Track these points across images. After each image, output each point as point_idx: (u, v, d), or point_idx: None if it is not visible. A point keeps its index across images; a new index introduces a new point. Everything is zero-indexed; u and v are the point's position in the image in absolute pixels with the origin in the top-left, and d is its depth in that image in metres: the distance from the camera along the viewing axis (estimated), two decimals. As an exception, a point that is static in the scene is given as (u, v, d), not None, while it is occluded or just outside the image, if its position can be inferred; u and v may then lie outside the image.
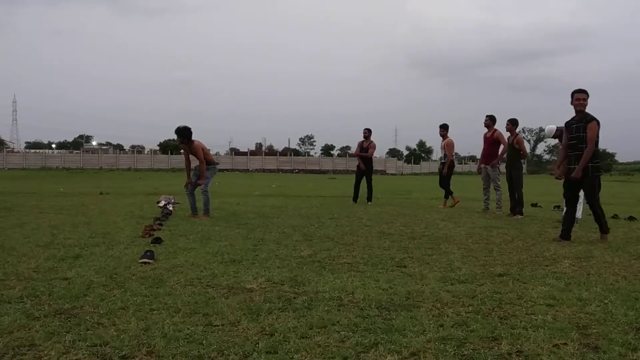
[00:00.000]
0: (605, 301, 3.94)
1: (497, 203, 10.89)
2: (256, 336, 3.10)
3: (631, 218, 10.02)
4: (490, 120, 11.14)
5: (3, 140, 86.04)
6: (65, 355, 2.77)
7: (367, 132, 13.22)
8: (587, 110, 7.06)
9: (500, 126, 10.96)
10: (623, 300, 3.99)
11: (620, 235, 7.67)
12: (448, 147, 12.36)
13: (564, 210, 7.52)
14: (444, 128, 12.48)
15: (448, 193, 12.41)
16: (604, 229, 7.14)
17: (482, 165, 11.27)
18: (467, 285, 4.39)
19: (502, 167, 10.97)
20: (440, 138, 12.62)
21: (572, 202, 7.30)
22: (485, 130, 11.22)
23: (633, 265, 5.44)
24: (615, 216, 9.98)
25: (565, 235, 7.12)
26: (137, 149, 64.69)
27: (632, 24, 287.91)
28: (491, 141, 11.05)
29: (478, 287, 4.33)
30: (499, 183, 10.92)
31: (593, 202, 7.11)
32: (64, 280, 4.33)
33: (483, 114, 11.28)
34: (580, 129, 6.98)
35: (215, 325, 3.28)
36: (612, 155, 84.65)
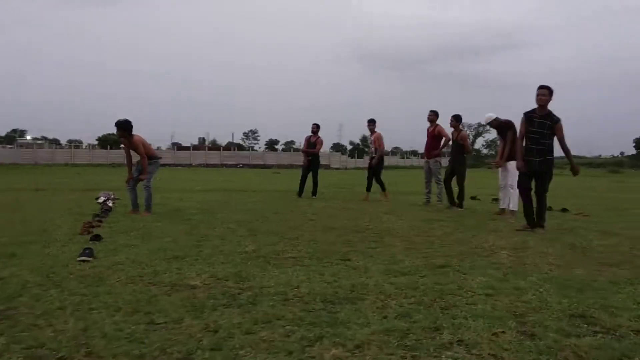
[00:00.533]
0: (541, 290, 4.10)
1: (437, 196, 11.15)
2: (200, 333, 3.06)
3: (564, 210, 10.46)
4: (435, 115, 11.37)
5: None
6: (-2, 359, 2.66)
7: (315, 128, 13.25)
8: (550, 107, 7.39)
9: (445, 121, 11.22)
10: (557, 288, 4.16)
11: (554, 226, 7.99)
12: (377, 140, 12.49)
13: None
14: (371, 122, 12.56)
15: (382, 186, 12.57)
16: (543, 221, 7.44)
17: (425, 159, 11.51)
18: (410, 277, 4.48)
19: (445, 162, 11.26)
20: (369, 132, 12.73)
21: (528, 192, 7.59)
22: (429, 125, 11.45)
23: (566, 255, 5.67)
24: (549, 208, 10.37)
25: (531, 222, 7.53)
26: (75, 144, 62.50)
27: (574, 24, 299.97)
28: (433, 135, 11.29)
29: (420, 279, 4.42)
30: (440, 177, 11.17)
31: (543, 194, 7.49)
32: (-4, 281, 4.15)
33: (428, 108, 11.47)
34: (544, 125, 7.33)
35: (157, 324, 3.22)
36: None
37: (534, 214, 7.56)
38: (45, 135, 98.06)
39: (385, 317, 3.38)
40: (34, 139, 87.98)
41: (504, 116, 9.61)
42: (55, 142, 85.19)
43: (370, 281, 4.31)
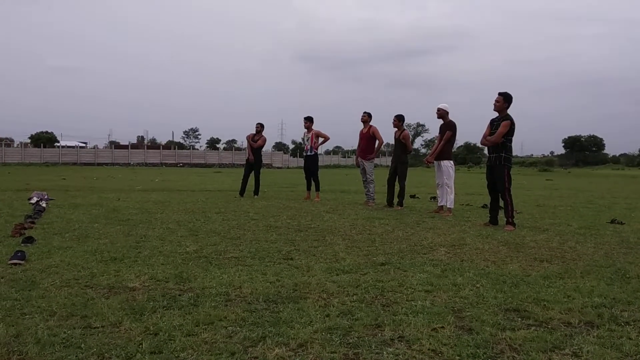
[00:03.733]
0: (477, 285, 4.24)
1: (368, 195, 11.32)
2: (140, 336, 2.99)
3: (485, 206, 10.81)
4: (368, 116, 11.51)
5: None
6: None
7: (260, 127, 13.20)
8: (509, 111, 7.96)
9: (385, 122, 11.38)
10: (492, 284, 4.30)
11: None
12: (317, 137, 12.52)
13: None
14: (308, 120, 12.61)
15: (317, 185, 12.58)
16: (510, 219, 7.72)
17: (359, 159, 11.63)
18: (352, 275, 4.53)
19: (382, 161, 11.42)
20: (306, 130, 12.72)
21: (493, 191, 8.17)
22: (363, 126, 11.56)
23: (501, 251, 5.88)
24: (485, 206, 10.70)
25: (493, 220, 8.10)
26: (6, 142, 59.74)
27: (502, 27, 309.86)
28: (368, 137, 11.44)
29: (362, 277, 4.48)
30: (372, 177, 11.34)
31: (503, 191, 7.91)
32: None
33: (365, 108, 11.62)
34: (498, 126, 7.88)
35: (94, 327, 3.13)
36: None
37: (498, 212, 8.15)
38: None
39: (327, 316, 3.41)
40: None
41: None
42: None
43: (313, 280, 4.33)
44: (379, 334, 3.10)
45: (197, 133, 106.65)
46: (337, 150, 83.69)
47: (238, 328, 3.16)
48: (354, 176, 26.48)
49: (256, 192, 13.03)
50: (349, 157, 79.69)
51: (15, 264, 4.69)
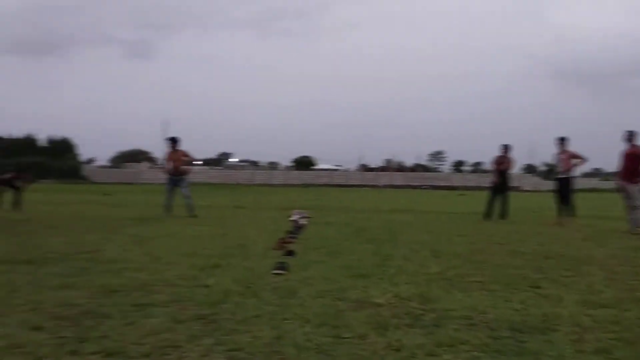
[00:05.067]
0: None
1: (633, 222, 10.00)
2: (383, 351, 3.12)
3: None
4: (632, 136, 10.28)
5: (155, 157, 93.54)
6: (205, 357, 2.98)
7: (505, 149, 12.84)
8: None
9: None
10: None
11: None
12: (571, 158, 11.54)
13: None
14: (561, 140, 11.69)
15: (571, 210, 11.56)
16: None
17: (622, 182, 10.40)
18: (610, 310, 4.09)
19: None
20: (558, 151, 11.81)
21: None
22: (627, 146, 10.35)
23: None
24: None
25: None
26: (272, 166, 67.24)
27: None
28: (634, 157, 10.18)
29: (623, 313, 4.01)
30: (638, 203, 10.03)
31: None
32: (204, 288, 4.63)
33: (629, 126, 10.42)
34: None
35: (344, 338, 3.34)
36: None
37: None
38: (247, 157, 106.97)
39: (580, 351, 3.14)
40: (238, 161, 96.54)
41: None
42: (255, 164, 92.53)
43: (564, 311, 4.02)
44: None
45: (442, 155, 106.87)
46: (594, 173, 76.29)
47: (481, 353, 3.09)
48: (617, 200, 23.84)
49: (503, 215, 12.57)
50: (608, 180, 72.03)
51: (278, 274, 5.25)
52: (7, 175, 14.22)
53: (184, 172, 12.80)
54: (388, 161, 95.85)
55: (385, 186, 58.44)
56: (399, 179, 62.27)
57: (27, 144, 62.54)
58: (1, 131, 65.55)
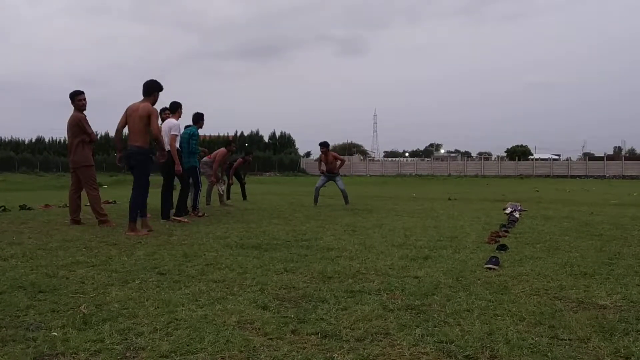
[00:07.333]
0: None
1: None
2: (609, 357, 2.85)
3: None
4: None
5: (365, 150, 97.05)
6: (414, 347, 3.01)
7: None
8: None
9: None
10: None
11: None
12: None
13: None
14: None
15: None
16: None
17: None
18: None
19: None
20: None
21: None
22: None
23: None
24: None
25: None
26: (485, 156, 65.08)
27: None
28: None
29: None
30: None
31: None
32: (414, 279, 4.68)
33: None
34: None
35: (561, 339, 3.13)
36: None
37: None
38: (458, 148, 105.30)
39: None
40: (448, 152, 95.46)
41: None
42: (466, 155, 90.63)
43: None
44: None
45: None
46: None
47: None
48: None
49: None
50: None
51: (490, 268, 5.09)
52: (239, 158, 15.60)
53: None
54: (618, 148, 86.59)
55: (614, 177, 52.80)
56: (631, 168, 55.60)
57: (254, 141, 68.83)
58: (231, 129, 73.02)
